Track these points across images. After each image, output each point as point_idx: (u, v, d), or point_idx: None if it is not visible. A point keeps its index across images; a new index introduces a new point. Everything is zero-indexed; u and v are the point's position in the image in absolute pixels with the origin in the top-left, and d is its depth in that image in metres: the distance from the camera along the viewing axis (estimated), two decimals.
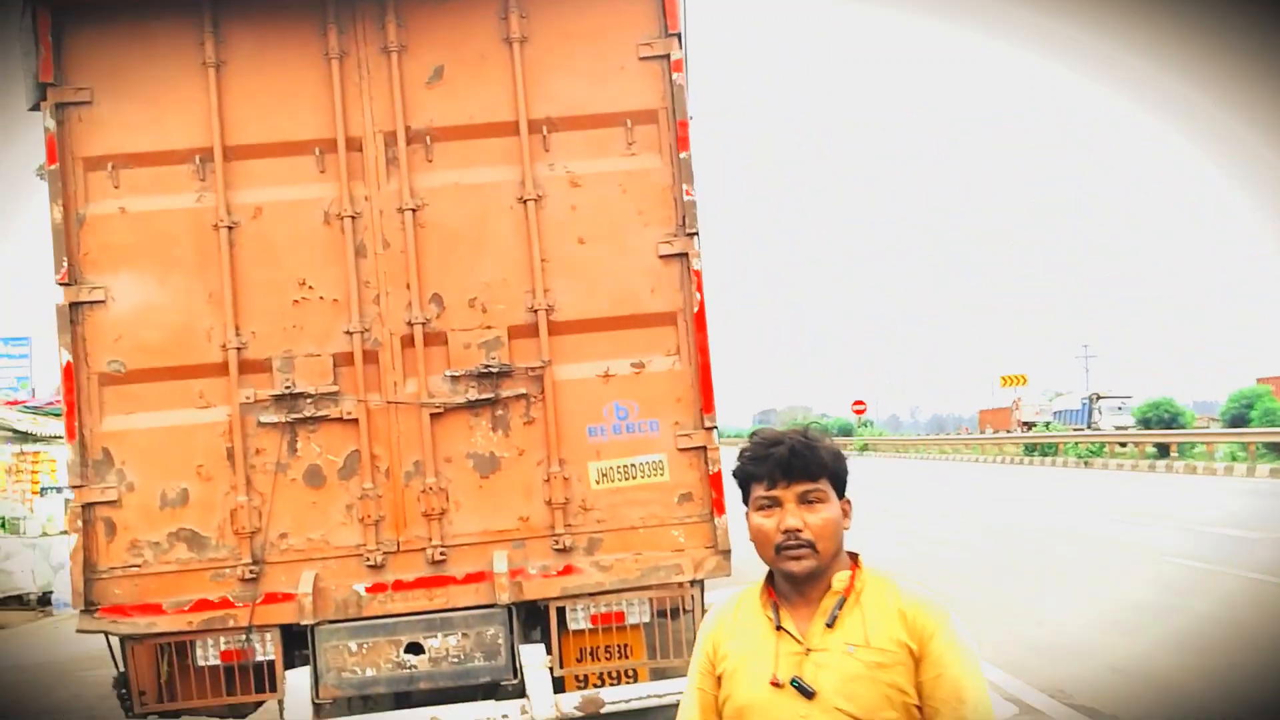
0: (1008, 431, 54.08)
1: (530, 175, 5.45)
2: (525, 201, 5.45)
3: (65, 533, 13.17)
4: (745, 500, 2.36)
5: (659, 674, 5.52)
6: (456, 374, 5.38)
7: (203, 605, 5.24)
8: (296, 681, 5.24)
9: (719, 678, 2.37)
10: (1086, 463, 34.99)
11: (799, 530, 2.24)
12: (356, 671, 5.26)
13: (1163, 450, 32.69)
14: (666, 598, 5.41)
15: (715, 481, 5.36)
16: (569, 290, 5.46)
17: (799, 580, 2.29)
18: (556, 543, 5.36)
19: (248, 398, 5.31)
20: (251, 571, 5.25)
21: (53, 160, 5.35)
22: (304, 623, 5.21)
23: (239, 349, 5.32)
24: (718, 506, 5.35)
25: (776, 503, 2.27)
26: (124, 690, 5.35)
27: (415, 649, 5.28)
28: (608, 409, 5.43)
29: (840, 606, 2.26)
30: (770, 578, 2.39)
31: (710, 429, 5.41)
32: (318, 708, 5.29)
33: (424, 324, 5.39)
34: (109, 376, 5.30)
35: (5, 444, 19.43)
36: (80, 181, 5.38)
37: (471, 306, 5.43)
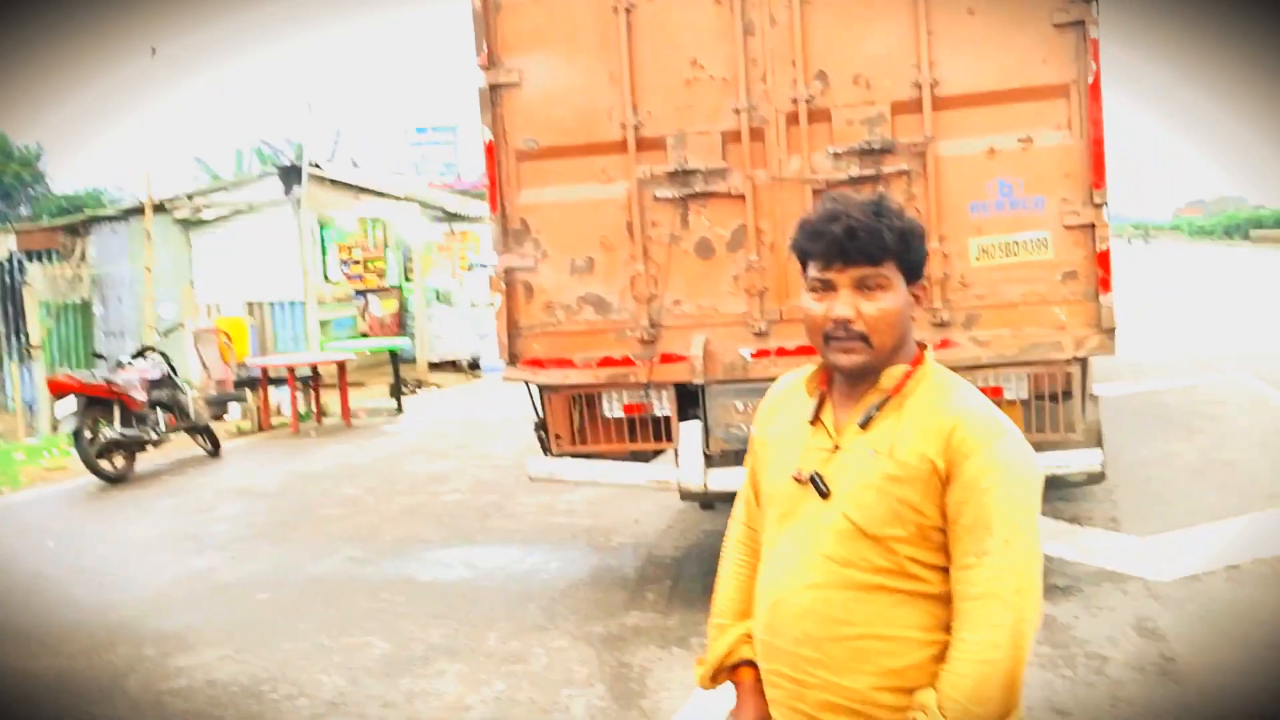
0: None
1: None
2: None
3: (490, 304, 14.73)
4: (804, 275, 2.07)
5: (1039, 449, 5.56)
6: (839, 150, 5.49)
7: (608, 362, 5.82)
8: (688, 434, 5.77)
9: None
10: None
11: (849, 321, 1.97)
12: (743, 428, 5.70)
13: None
14: (1045, 375, 5.42)
15: (1103, 259, 5.22)
16: (955, 63, 5.36)
17: (847, 373, 2.05)
18: (934, 317, 5.46)
19: (644, 174, 5.70)
20: (649, 334, 5.75)
21: None
22: (695, 382, 5.69)
23: (636, 127, 5.69)
24: (1104, 285, 5.22)
25: (830, 286, 1.99)
26: (543, 433, 6.11)
27: None
28: (991, 185, 5.37)
29: (880, 407, 2.01)
30: None
31: (1099, 206, 5.22)
32: (708, 458, 5.82)
33: (808, 101, 5.51)
34: (524, 153, 5.85)
35: (436, 223, 21.59)
36: None
37: (855, 83, 5.47)
